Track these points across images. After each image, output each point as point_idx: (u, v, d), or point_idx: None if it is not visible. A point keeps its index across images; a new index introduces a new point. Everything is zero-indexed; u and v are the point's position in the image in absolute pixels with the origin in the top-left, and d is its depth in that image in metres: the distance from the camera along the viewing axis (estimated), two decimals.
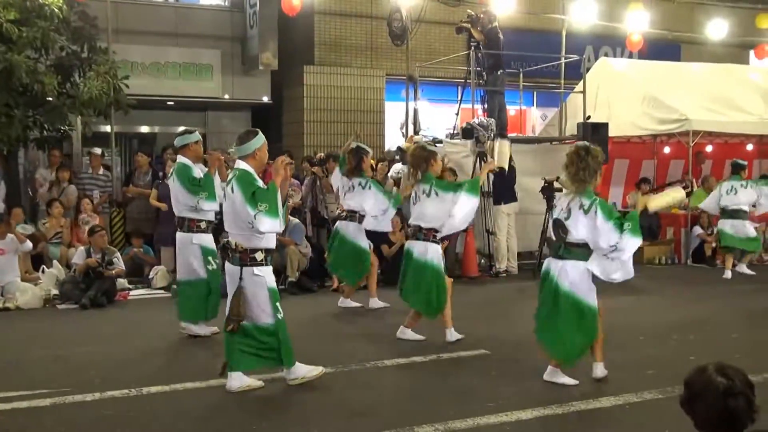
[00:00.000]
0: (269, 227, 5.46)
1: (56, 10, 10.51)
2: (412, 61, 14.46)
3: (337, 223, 8.96)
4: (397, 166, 12.06)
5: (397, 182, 11.39)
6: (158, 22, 14.64)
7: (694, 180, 14.06)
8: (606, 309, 8.24)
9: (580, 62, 14.22)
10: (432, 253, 7.09)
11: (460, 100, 13.41)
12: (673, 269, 12.72)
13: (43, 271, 9.83)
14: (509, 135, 12.41)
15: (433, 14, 15.48)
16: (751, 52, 18.64)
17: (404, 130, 13.95)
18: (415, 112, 13.59)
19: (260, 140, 5.76)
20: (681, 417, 2.82)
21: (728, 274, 11.34)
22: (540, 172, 11.82)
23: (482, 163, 11.26)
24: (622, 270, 5.65)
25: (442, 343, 7.08)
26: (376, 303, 8.93)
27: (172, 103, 15.16)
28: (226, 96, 15.24)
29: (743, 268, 11.43)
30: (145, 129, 15.95)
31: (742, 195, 11.25)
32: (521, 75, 13.63)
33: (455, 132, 12.96)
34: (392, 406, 5.42)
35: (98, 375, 6.11)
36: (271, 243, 5.75)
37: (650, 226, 13.66)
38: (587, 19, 15.26)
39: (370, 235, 9.08)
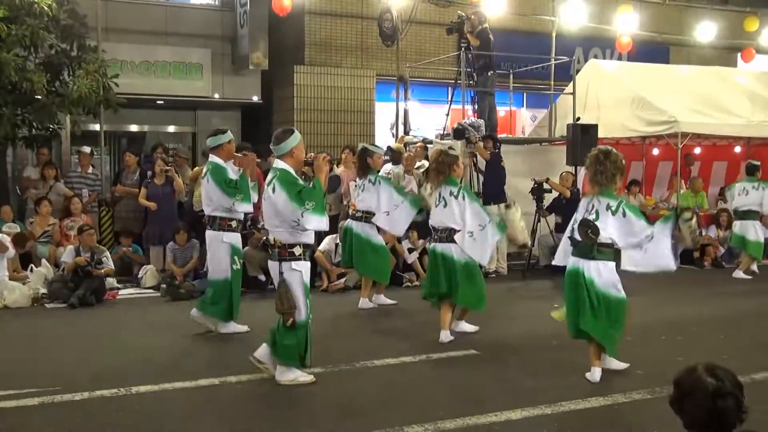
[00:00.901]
0: (316, 224, 5.61)
1: (45, 8, 10.47)
2: (402, 61, 14.48)
3: (351, 222, 9.01)
4: (388, 167, 12.07)
5: None
6: (148, 20, 14.59)
7: (683, 182, 14.14)
8: None
9: (570, 64, 14.27)
10: (457, 249, 7.26)
11: (451, 101, 13.44)
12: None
13: (31, 270, 9.78)
14: (499, 136, 12.44)
15: (423, 15, 15.50)
16: (739, 55, 18.76)
17: (394, 131, 13.97)
18: (406, 112, 13.62)
19: (296, 139, 5.84)
20: (670, 417, 2.84)
21: (738, 273, 11.60)
22: (530, 173, 11.86)
23: (474, 163, 11.31)
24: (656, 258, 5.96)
25: (432, 344, 7.09)
26: (366, 303, 8.99)
27: (161, 102, 15.13)
28: (216, 95, 15.21)
29: (739, 274, 11.55)
30: (134, 128, 15.91)
31: (753, 196, 11.41)
32: (511, 76, 13.67)
33: (445, 133, 12.99)
34: (382, 406, 5.42)
35: (87, 374, 6.09)
36: (310, 239, 5.89)
37: None
38: (577, 21, 15.34)
39: None
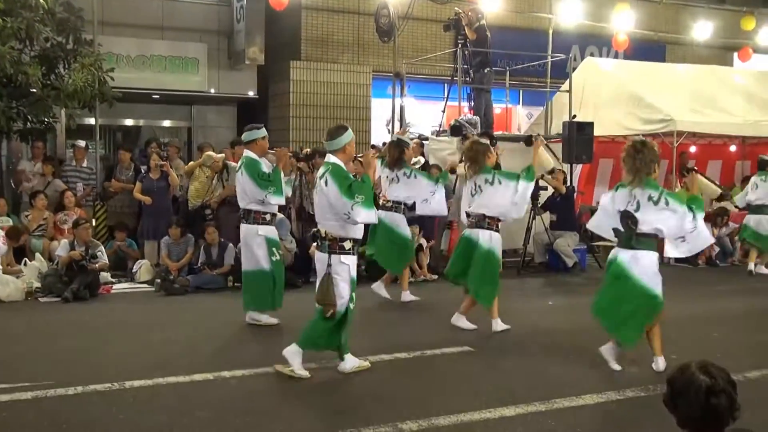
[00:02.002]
0: (365, 218, 5.79)
1: (41, 0, 10.44)
2: (399, 57, 14.45)
3: (380, 212, 9.01)
4: None
5: None
6: (144, 14, 14.56)
7: (677, 180, 14.15)
8: (586, 306, 8.31)
9: (567, 61, 14.27)
10: (495, 241, 7.60)
11: (447, 98, 13.42)
12: None
13: (25, 264, 9.75)
14: (495, 133, 12.43)
15: (420, 11, 15.47)
16: (735, 54, 18.78)
17: (390, 127, 13.96)
18: (402, 108, 13.59)
19: (349, 135, 6.05)
20: (663, 414, 2.85)
21: (751, 266, 11.70)
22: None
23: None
24: (699, 241, 6.14)
25: (427, 340, 7.10)
26: (407, 296, 9.17)
27: (157, 96, 15.08)
28: (212, 90, 15.19)
29: (762, 269, 11.72)
30: (129, 122, 15.89)
31: (762, 190, 11.49)
32: (508, 73, 13.68)
33: (441, 129, 12.98)
34: (376, 402, 5.42)
35: (80, 369, 6.09)
36: (360, 233, 6.04)
37: None
38: (574, 19, 15.33)
39: None
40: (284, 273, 7.91)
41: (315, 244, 6.17)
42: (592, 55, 17.27)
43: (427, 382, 5.95)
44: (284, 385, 5.78)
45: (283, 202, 7.83)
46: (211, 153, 11.02)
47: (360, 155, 6.95)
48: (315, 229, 6.11)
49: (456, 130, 11.54)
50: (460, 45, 12.43)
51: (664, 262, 13.35)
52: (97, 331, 7.61)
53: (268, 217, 7.62)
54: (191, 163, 11.56)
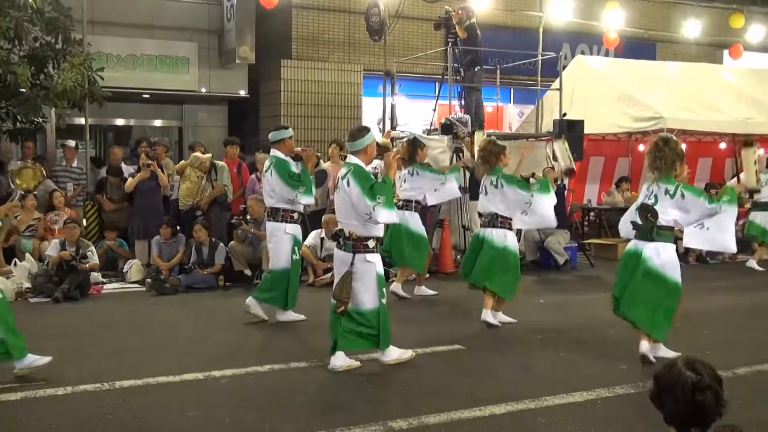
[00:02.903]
0: (386, 218, 5.95)
1: (30, 0, 10.39)
2: (389, 56, 14.45)
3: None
4: (375, 162, 12.05)
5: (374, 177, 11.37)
6: (134, 13, 14.49)
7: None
8: (576, 304, 8.33)
9: (557, 60, 14.30)
10: (511, 239, 7.71)
11: (437, 96, 13.42)
12: None
13: (15, 264, 9.72)
14: (486, 131, 12.42)
15: (410, 10, 15.47)
16: (725, 52, 18.83)
17: (381, 126, 13.94)
18: (392, 107, 13.58)
19: (371, 137, 6.20)
20: (653, 411, 2.85)
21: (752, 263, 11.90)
22: (516, 169, 11.85)
23: (459, 159, 11.31)
24: (726, 237, 6.26)
25: (416, 339, 7.10)
26: (423, 291, 9.38)
27: (147, 96, 15.04)
28: (203, 89, 15.15)
29: (753, 264, 11.89)
30: (120, 122, 15.83)
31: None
32: (498, 72, 13.66)
33: (432, 128, 12.98)
34: (366, 400, 5.43)
35: (70, 369, 6.07)
36: (381, 232, 6.20)
37: None
38: (564, 17, 15.36)
39: None
40: (299, 273, 8.02)
41: (336, 243, 6.27)
42: (582, 53, 17.28)
43: (416, 380, 5.94)
44: (274, 384, 5.79)
45: (312, 201, 8.02)
46: (197, 153, 11.00)
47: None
48: (338, 229, 6.23)
49: (447, 128, 11.55)
50: (450, 43, 12.42)
51: None
52: (87, 332, 7.60)
53: (295, 215, 7.76)
54: (181, 162, 11.53)
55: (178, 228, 10.53)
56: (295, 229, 7.75)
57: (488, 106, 14.12)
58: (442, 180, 9.11)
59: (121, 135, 16.17)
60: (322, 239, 10.34)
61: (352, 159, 6.13)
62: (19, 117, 11.09)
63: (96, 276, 9.95)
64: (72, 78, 10.60)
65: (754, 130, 13.55)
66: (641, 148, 15.39)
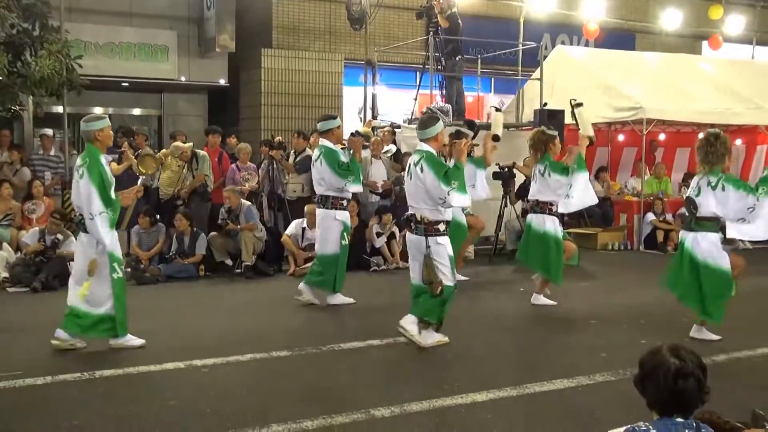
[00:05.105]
0: (460, 202, 6.29)
1: None
2: (370, 45, 14.43)
3: None
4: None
5: None
6: (113, 1, 14.32)
7: (646, 167, 14.30)
8: (559, 293, 8.37)
9: (538, 50, 14.33)
10: (549, 223, 8.04)
11: (419, 86, 13.42)
12: (625, 255, 12.92)
13: None
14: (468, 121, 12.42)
15: None
16: (705, 43, 18.96)
17: (362, 115, 13.92)
18: (374, 96, 13.57)
19: (440, 126, 6.44)
20: (633, 398, 2.88)
21: None
22: (497, 158, 11.85)
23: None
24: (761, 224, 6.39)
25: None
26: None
27: (126, 84, 14.91)
28: (183, 78, 15.03)
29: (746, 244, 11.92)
30: (98, 110, 15.61)
31: None
32: (479, 61, 13.67)
33: (413, 117, 12.97)
34: (348, 389, 5.43)
35: (49, 358, 6.03)
36: (450, 216, 6.46)
37: (604, 213, 13.87)
38: (545, 7, 15.39)
39: None
40: (347, 258, 8.20)
41: (408, 227, 6.49)
42: (563, 43, 17.33)
43: (398, 368, 5.96)
44: (256, 372, 5.77)
45: (361, 189, 8.37)
46: (178, 143, 10.92)
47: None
48: (409, 213, 6.42)
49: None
50: (431, 33, 12.42)
51: (631, 249, 13.54)
52: None
53: (345, 203, 8.02)
54: (162, 151, 11.45)
55: (158, 217, 10.45)
56: (344, 215, 8.03)
57: (469, 96, 14.14)
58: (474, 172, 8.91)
59: None
60: (303, 229, 10.31)
61: (423, 146, 6.35)
62: None
63: None
64: (50, 66, 10.45)
65: (732, 121, 13.68)
66: (621, 138, 15.50)
